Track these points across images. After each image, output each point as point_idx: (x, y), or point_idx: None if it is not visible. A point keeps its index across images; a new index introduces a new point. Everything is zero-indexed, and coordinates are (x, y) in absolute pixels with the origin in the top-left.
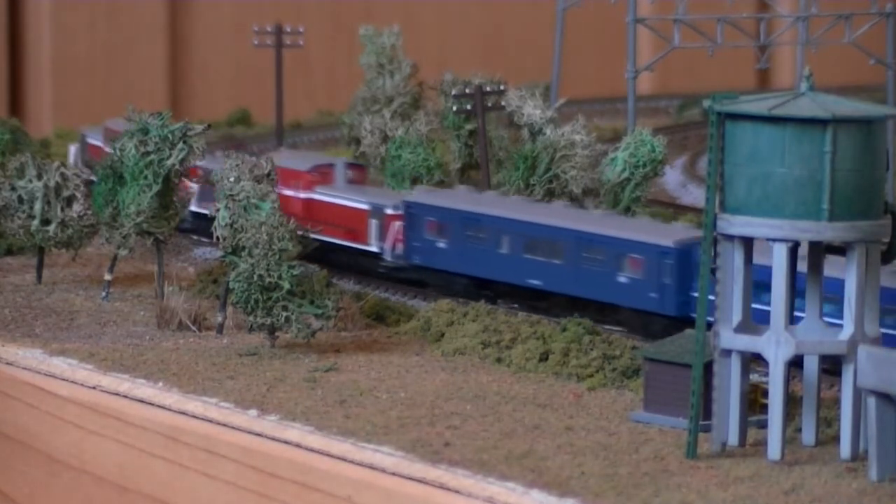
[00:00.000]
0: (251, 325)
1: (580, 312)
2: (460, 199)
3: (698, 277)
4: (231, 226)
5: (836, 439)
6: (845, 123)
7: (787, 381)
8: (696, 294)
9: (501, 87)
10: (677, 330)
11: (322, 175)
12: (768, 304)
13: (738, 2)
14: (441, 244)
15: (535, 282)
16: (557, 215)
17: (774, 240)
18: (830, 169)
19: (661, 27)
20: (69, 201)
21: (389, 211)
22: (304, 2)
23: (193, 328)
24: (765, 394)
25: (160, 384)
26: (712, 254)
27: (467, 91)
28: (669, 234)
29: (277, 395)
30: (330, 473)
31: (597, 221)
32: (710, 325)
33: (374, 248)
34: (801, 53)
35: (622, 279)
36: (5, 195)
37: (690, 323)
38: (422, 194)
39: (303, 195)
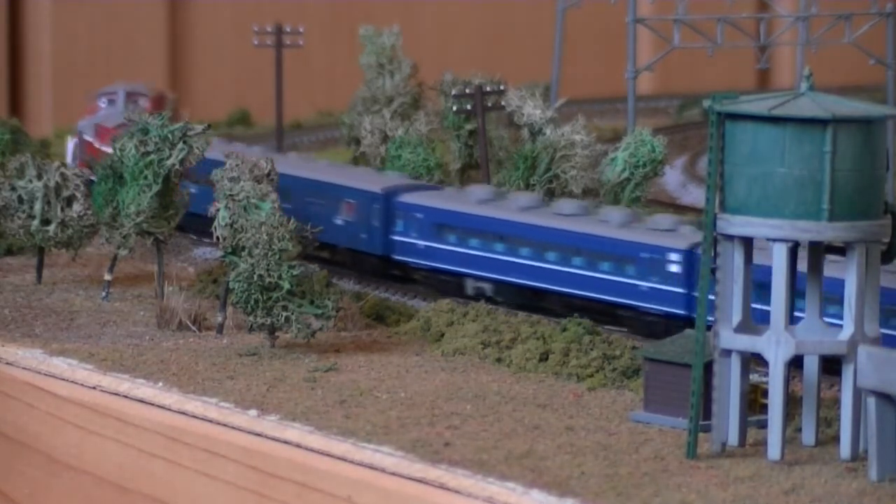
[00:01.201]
0: (251, 325)
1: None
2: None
3: (398, 220)
4: (231, 226)
5: (836, 439)
6: (845, 123)
7: (787, 381)
8: (397, 238)
9: (501, 87)
10: (384, 268)
11: None
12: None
13: (738, 2)
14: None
15: None
16: (289, 164)
17: (774, 240)
18: (830, 169)
19: (661, 27)
20: (69, 201)
21: None
22: (304, 2)
23: (193, 328)
24: (765, 394)
25: (160, 384)
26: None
27: (467, 91)
28: (380, 182)
29: (277, 395)
30: (330, 473)
31: (321, 170)
32: (710, 326)
33: None
34: (801, 53)
35: (339, 222)
36: (5, 195)
37: (394, 264)
38: None
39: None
